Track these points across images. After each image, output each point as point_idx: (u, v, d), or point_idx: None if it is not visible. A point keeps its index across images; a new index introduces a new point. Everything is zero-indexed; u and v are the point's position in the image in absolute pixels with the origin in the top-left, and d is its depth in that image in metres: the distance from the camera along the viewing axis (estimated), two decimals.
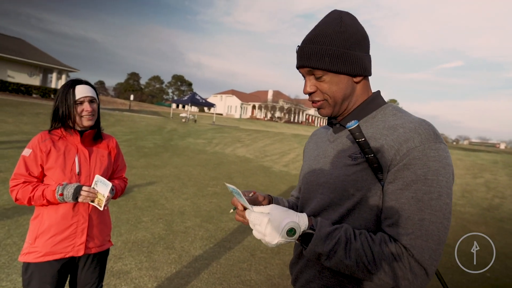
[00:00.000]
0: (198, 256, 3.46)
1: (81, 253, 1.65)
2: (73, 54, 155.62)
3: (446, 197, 0.78)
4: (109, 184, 1.56)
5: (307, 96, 0.98)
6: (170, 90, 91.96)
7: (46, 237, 1.58)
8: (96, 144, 1.75)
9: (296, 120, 62.64)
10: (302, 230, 0.82)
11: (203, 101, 26.04)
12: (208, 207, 5.38)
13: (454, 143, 78.68)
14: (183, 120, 22.98)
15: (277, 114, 59.63)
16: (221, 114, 51.18)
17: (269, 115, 60.55)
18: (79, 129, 1.66)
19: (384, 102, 0.97)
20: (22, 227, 3.70)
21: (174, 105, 35.40)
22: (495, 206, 7.04)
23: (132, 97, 30.42)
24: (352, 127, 0.84)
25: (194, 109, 28.58)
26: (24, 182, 1.56)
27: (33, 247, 1.57)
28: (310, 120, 68.60)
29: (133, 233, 3.87)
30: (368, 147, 0.83)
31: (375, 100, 0.96)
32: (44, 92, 24.18)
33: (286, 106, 59.14)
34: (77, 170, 1.63)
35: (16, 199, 1.56)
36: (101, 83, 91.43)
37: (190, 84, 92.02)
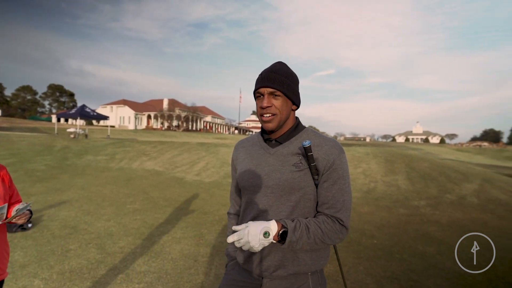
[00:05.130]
0: (145, 271, 3.57)
1: None
2: None
3: (350, 182, 1.33)
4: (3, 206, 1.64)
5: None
6: (46, 102, 79.74)
7: None
8: None
9: (194, 128, 62.46)
10: (274, 231, 1.19)
11: (94, 113, 23.82)
12: (135, 224, 5.34)
13: None
14: (72, 135, 20.61)
15: (175, 123, 58.40)
16: (113, 126, 47.22)
17: (166, 125, 58.76)
18: None
19: (303, 126, 1.43)
20: None
21: (54, 119, 31.15)
22: (371, 189, 8.89)
23: None
24: (308, 145, 1.26)
25: (80, 122, 25.77)
26: None
27: None
28: (208, 127, 69.35)
29: (65, 263, 3.68)
30: (313, 159, 1.28)
31: (299, 125, 1.43)
32: None
33: (183, 114, 58.43)
34: None
35: None
36: None
37: (72, 95, 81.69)
